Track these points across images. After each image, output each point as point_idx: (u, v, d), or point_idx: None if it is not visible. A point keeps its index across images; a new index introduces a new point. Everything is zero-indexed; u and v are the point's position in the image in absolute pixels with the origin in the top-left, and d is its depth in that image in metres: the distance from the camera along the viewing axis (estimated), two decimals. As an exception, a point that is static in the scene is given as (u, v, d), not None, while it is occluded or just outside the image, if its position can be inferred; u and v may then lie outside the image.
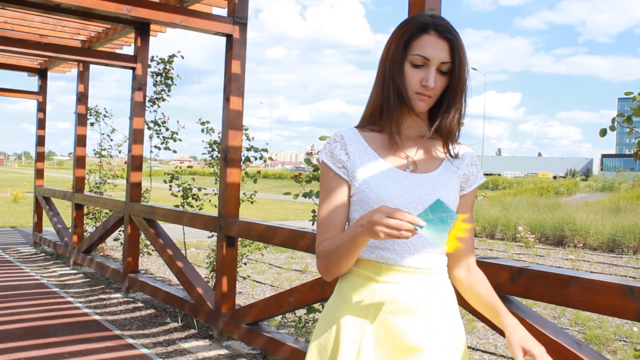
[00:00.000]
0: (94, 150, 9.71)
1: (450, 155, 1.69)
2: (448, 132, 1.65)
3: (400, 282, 1.57)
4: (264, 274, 8.24)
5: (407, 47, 1.59)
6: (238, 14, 4.75)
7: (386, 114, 1.64)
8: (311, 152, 4.40)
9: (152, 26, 6.39)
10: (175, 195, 6.68)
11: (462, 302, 1.74)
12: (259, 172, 6.13)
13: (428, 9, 2.89)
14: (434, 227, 1.34)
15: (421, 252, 1.60)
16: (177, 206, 6.35)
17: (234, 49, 4.68)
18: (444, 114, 1.63)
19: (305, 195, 4.12)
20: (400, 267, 1.58)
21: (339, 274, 1.62)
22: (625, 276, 9.32)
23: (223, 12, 5.75)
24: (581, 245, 12.97)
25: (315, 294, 3.67)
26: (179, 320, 5.28)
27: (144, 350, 4.40)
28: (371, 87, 1.71)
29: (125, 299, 6.06)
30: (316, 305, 4.13)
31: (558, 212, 15.62)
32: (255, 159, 5.87)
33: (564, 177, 78.73)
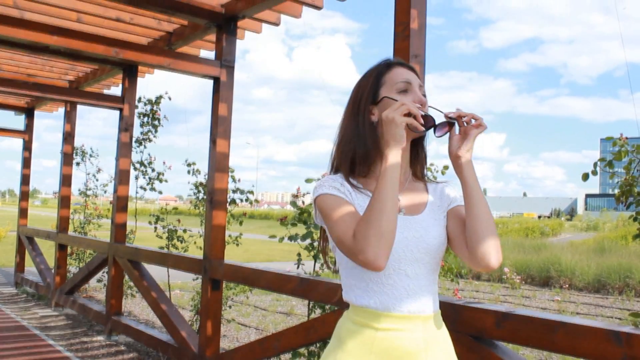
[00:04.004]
0: (79, 189, 9.66)
1: (426, 187, 1.78)
2: (422, 166, 1.79)
3: (399, 328, 1.58)
4: (249, 316, 8.15)
5: (379, 85, 1.68)
6: (225, 57, 4.80)
7: (368, 158, 1.69)
8: (297, 195, 4.41)
9: (140, 67, 6.43)
10: (160, 237, 6.63)
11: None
12: (244, 214, 6.12)
13: (413, 54, 2.94)
14: None
15: (419, 297, 1.62)
16: (162, 247, 6.30)
17: (221, 91, 4.72)
18: (422, 144, 1.78)
19: (290, 238, 4.11)
20: (398, 313, 1.59)
21: (382, 230, 1.46)
22: (612, 317, 9.32)
23: (210, 54, 5.82)
24: (567, 286, 12.98)
25: (300, 338, 3.63)
26: (162, 364, 5.19)
27: (126, 396, 4.32)
28: (338, 139, 1.76)
29: (108, 342, 5.96)
30: (301, 350, 4.09)
31: (544, 252, 15.66)
32: (242, 200, 5.87)
33: (549, 217, 79.13)
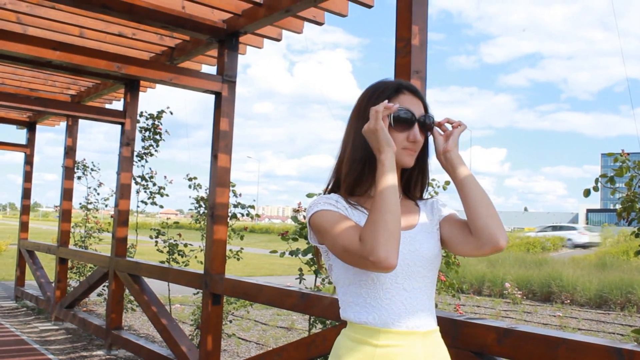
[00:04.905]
0: (80, 203, 9.66)
1: (416, 204, 1.80)
2: (422, 186, 1.81)
3: (398, 344, 1.57)
4: (249, 331, 8.11)
5: None
6: (227, 72, 4.82)
7: (369, 174, 1.67)
8: (298, 209, 4.41)
9: (142, 82, 6.45)
10: (161, 251, 6.63)
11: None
12: (245, 228, 6.13)
13: (414, 70, 2.96)
14: None
15: (417, 312, 1.61)
16: (162, 262, 6.29)
17: (223, 106, 4.73)
18: (423, 171, 1.79)
19: (291, 253, 4.11)
20: (397, 329, 1.58)
21: (389, 227, 1.46)
22: (614, 333, 9.28)
23: (212, 69, 5.84)
24: (568, 301, 12.92)
25: (301, 353, 3.62)
26: (162, 379, 5.16)
27: (125, 411, 4.29)
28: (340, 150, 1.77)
29: (108, 357, 5.93)
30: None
31: (545, 268, 15.61)
32: (243, 215, 5.88)
33: (550, 232, 78.69)
